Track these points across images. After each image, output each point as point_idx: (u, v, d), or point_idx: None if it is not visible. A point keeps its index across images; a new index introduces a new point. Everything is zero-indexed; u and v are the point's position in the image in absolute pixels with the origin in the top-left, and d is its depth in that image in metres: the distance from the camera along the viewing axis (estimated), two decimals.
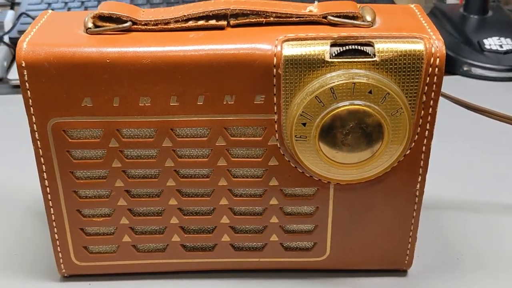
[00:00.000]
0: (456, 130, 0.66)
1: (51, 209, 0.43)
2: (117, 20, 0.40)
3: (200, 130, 0.41)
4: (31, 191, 0.53)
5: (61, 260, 0.45)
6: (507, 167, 0.60)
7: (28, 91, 0.39)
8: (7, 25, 0.85)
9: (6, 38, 0.82)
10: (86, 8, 0.87)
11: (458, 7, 0.89)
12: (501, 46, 0.79)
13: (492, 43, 0.80)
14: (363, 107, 0.38)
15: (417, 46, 0.38)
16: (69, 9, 0.88)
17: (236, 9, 0.40)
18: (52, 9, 0.87)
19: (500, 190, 0.56)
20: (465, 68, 0.79)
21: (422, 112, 0.40)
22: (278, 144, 0.41)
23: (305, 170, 0.41)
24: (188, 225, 0.44)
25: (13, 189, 0.57)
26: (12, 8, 0.95)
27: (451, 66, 0.80)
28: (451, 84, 0.76)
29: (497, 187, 0.57)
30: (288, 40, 0.39)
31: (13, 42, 0.81)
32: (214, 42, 0.39)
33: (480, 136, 0.65)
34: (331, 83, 0.38)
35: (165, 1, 0.90)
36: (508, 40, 0.80)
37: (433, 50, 0.38)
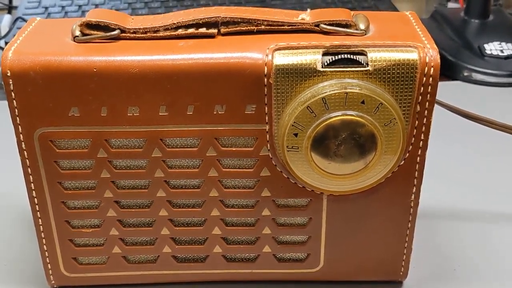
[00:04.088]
0: (453, 139, 0.65)
1: (39, 220, 0.42)
2: (105, 28, 0.39)
3: (190, 140, 0.40)
4: (21, 201, 0.52)
5: (50, 272, 0.44)
6: (505, 177, 0.59)
7: (14, 101, 0.38)
8: (4, 30, 0.85)
9: (2, 43, 0.81)
10: (83, 13, 0.87)
11: (459, 11, 0.88)
12: (502, 51, 0.78)
13: (493, 48, 0.79)
14: (355, 118, 0.37)
15: (411, 55, 0.37)
16: (66, 13, 0.87)
17: (226, 17, 0.39)
18: (49, 14, 0.87)
19: (498, 200, 0.56)
20: (465, 74, 0.78)
21: (417, 122, 0.39)
22: (270, 155, 0.40)
23: (298, 181, 0.41)
24: (179, 236, 0.44)
25: (2, 198, 0.56)
26: (9, 12, 0.94)
27: (452, 72, 0.79)
28: (452, 89, 0.75)
29: (495, 197, 0.56)
30: (279, 49, 0.38)
31: None
32: (204, 51, 0.38)
33: (477, 145, 0.64)
34: (323, 93, 0.37)
35: (163, 5, 0.89)
36: (509, 45, 0.79)
37: (427, 60, 0.37)
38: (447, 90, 0.74)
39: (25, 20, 0.83)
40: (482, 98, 0.74)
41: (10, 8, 0.95)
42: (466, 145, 0.64)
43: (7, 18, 0.88)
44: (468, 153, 0.63)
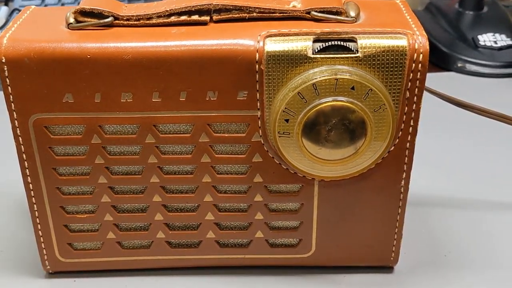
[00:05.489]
0: (445, 127, 0.66)
1: (35, 205, 0.43)
2: (99, 15, 0.40)
3: (183, 127, 0.41)
4: (15, 187, 0.53)
5: (45, 257, 0.45)
6: (496, 164, 0.60)
7: (9, 87, 0.39)
8: (0, 21, 0.85)
9: None
10: (79, 3, 0.87)
11: (454, 3, 0.88)
12: (495, 42, 0.79)
13: (486, 39, 0.79)
14: (346, 104, 0.38)
15: (400, 42, 0.38)
16: (63, 4, 0.88)
17: (219, 4, 0.40)
18: (46, 5, 0.87)
19: (489, 187, 0.56)
20: (459, 65, 0.78)
21: (406, 108, 0.39)
22: (262, 141, 0.41)
23: (289, 166, 0.41)
24: (173, 222, 0.44)
25: None
26: (6, 4, 0.94)
27: (446, 62, 0.79)
28: (445, 80, 0.76)
29: (486, 184, 0.56)
30: (270, 35, 0.39)
31: None
32: (196, 38, 0.39)
33: (469, 132, 0.65)
34: (313, 79, 0.38)
35: None
36: (503, 36, 0.80)
37: (416, 46, 0.38)
38: (441, 81, 0.75)
39: None
40: (475, 88, 0.74)
41: (7, 0, 0.95)
42: (458, 133, 0.65)
43: (4, 10, 0.88)
44: (460, 141, 0.63)
